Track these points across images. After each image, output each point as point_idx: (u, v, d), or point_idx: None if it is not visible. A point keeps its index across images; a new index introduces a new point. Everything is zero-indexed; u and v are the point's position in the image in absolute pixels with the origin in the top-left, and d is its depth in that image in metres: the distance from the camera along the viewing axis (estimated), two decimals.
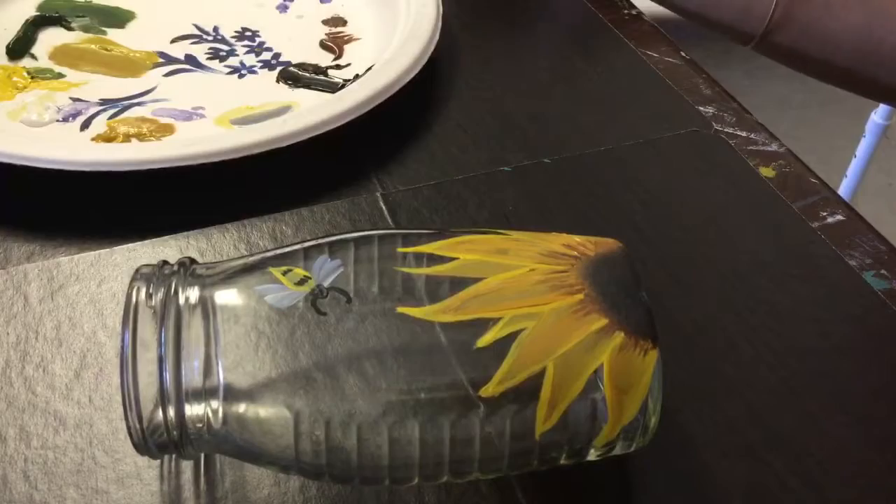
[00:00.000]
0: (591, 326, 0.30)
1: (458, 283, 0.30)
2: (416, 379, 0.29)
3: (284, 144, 0.47)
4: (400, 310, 0.29)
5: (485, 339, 0.29)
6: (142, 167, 0.45)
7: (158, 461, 0.35)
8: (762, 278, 0.43)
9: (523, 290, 0.30)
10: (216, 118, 0.53)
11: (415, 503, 0.34)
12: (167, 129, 0.51)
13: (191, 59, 0.57)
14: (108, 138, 0.50)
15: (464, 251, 0.31)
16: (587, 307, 0.30)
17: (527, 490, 0.34)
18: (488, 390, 0.29)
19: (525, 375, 0.29)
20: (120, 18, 0.61)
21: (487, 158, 0.50)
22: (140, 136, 0.51)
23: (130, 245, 0.44)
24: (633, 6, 0.65)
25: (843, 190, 1.41)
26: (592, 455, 0.31)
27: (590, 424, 0.30)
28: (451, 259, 0.31)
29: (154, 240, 0.44)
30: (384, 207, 0.47)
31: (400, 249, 0.31)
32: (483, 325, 0.29)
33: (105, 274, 0.42)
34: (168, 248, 0.44)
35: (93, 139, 0.50)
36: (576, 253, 0.32)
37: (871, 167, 1.39)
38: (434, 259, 0.31)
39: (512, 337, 0.29)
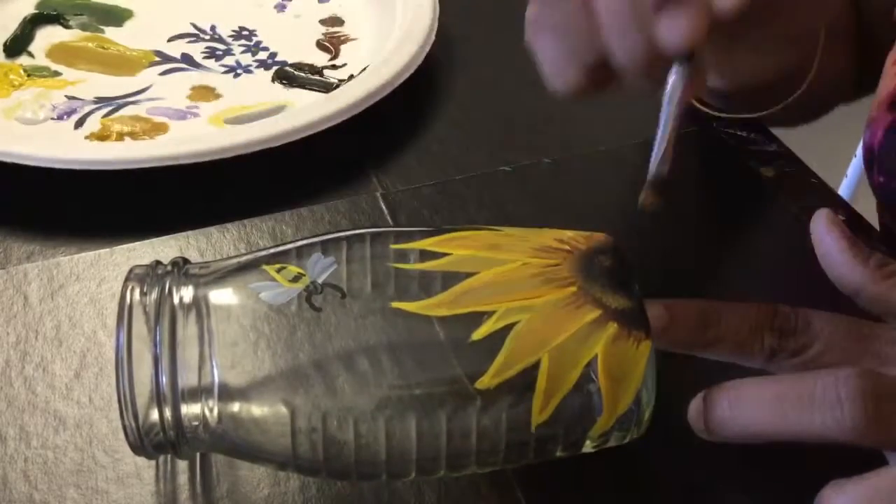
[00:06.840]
0: (584, 318, 0.30)
1: (451, 278, 0.30)
2: (411, 373, 0.29)
3: (275, 144, 0.47)
4: (394, 305, 0.29)
5: (480, 332, 0.29)
6: (132, 166, 0.45)
7: (155, 461, 0.35)
8: (761, 279, 0.43)
9: (517, 284, 0.30)
10: (210, 117, 0.53)
11: (414, 503, 0.34)
12: (160, 128, 0.51)
13: (187, 58, 0.57)
14: (101, 137, 0.51)
15: (456, 247, 0.31)
16: (580, 299, 0.30)
17: (526, 489, 0.34)
18: (484, 382, 0.29)
19: (520, 367, 0.29)
20: (118, 17, 0.61)
21: (487, 158, 0.50)
22: (133, 135, 0.51)
23: (130, 245, 0.44)
24: None
25: (843, 190, 1.40)
26: (588, 447, 0.31)
27: (585, 415, 0.30)
28: (444, 255, 0.31)
29: (154, 240, 0.44)
30: (384, 207, 0.46)
31: (393, 246, 0.31)
32: (477, 318, 0.29)
33: (105, 274, 0.42)
34: (168, 248, 0.44)
35: (86, 137, 0.50)
36: (568, 247, 0.32)
37: None
38: (427, 255, 0.31)
39: (506, 329, 0.29)
